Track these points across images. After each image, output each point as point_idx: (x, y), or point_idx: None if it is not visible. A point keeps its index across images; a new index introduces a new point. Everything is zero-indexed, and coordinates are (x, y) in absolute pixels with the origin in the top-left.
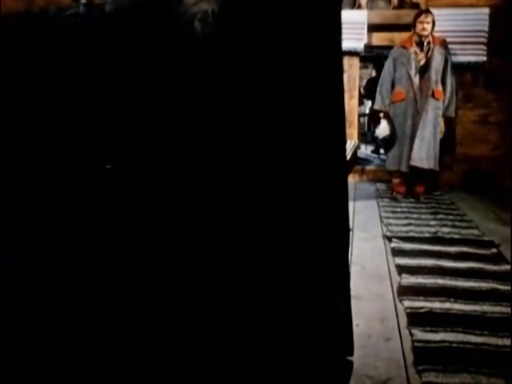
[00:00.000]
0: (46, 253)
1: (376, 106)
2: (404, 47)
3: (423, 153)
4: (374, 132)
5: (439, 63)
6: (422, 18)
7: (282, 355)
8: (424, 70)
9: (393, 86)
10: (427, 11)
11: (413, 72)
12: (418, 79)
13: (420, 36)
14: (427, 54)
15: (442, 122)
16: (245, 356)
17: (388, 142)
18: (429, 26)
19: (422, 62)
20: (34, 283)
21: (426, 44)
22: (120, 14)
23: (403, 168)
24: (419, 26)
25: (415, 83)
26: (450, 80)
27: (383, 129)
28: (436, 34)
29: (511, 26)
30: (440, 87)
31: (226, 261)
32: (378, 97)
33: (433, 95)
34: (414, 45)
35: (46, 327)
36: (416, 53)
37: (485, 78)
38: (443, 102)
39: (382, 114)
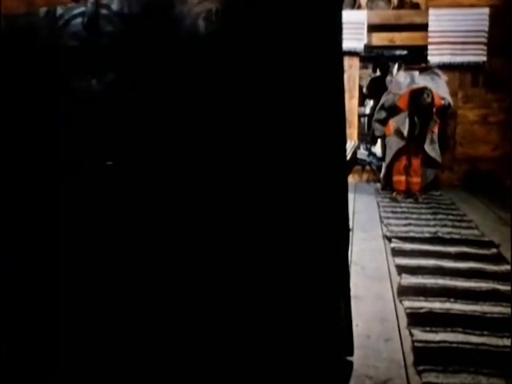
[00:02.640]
0: (47, 252)
1: (377, 134)
2: (400, 108)
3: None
4: (371, 147)
5: (434, 125)
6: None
7: (282, 355)
8: (420, 130)
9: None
10: (426, 98)
11: (405, 131)
12: (411, 133)
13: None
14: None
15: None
16: (245, 356)
17: (380, 160)
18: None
19: (417, 126)
20: (35, 283)
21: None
22: (126, 13)
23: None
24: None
25: (405, 138)
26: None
27: (378, 148)
28: (436, 34)
29: (511, 25)
30: (436, 126)
31: (226, 261)
32: (376, 126)
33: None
34: (411, 108)
35: (46, 327)
36: (411, 118)
37: (485, 78)
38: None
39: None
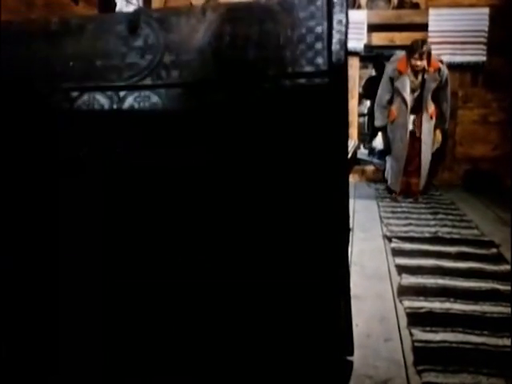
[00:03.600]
0: (47, 252)
1: (377, 124)
2: (400, 71)
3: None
4: (371, 142)
5: (434, 87)
6: (416, 56)
7: (282, 355)
8: (420, 95)
9: (391, 100)
10: (422, 44)
11: (407, 97)
12: (412, 104)
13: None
14: (422, 79)
15: (438, 132)
16: (245, 356)
17: (383, 154)
18: (423, 63)
19: (418, 89)
20: (35, 282)
21: (420, 71)
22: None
23: (393, 188)
24: (413, 62)
25: (409, 107)
26: (445, 97)
27: (379, 142)
28: (436, 34)
29: (511, 25)
30: (433, 107)
31: (226, 261)
32: (377, 114)
33: (427, 115)
34: (410, 71)
35: (46, 327)
36: (411, 80)
37: (485, 77)
38: (436, 117)
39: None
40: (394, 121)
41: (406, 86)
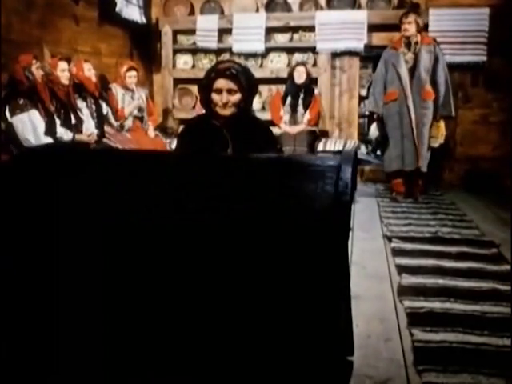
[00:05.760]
0: (46, 252)
1: (369, 108)
2: (394, 48)
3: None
4: (368, 134)
5: (428, 62)
6: (403, 19)
7: (282, 355)
8: (413, 70)
9: (385, 87)
10: (408, 12)
11: (403, 71)
12: (409, 79)
13: (407, 37)
14: (415, 53)
15: (442, 124)
16: (245, 356)
17: (380, 143)
18: (411, 26)
19: (411, 62)
20: (35, 286)
21: (413, 44)
22: None
23: (406, 167)
24: (402, 27)
25: (406, 83)
26: (442, 78)
27: (373, 130)
28: (436, 34)
29: (511, 25)
30: (429, 87)
31: (227, 259)
32: (370, 99)
33: (420, 95)
34: (403, 45)
35: (46, 327)
36: (404, 53)
37: (485, 78)
38: (434, 101)
39: (374, 116)
40: (397, 100)
41: (400, 59)
